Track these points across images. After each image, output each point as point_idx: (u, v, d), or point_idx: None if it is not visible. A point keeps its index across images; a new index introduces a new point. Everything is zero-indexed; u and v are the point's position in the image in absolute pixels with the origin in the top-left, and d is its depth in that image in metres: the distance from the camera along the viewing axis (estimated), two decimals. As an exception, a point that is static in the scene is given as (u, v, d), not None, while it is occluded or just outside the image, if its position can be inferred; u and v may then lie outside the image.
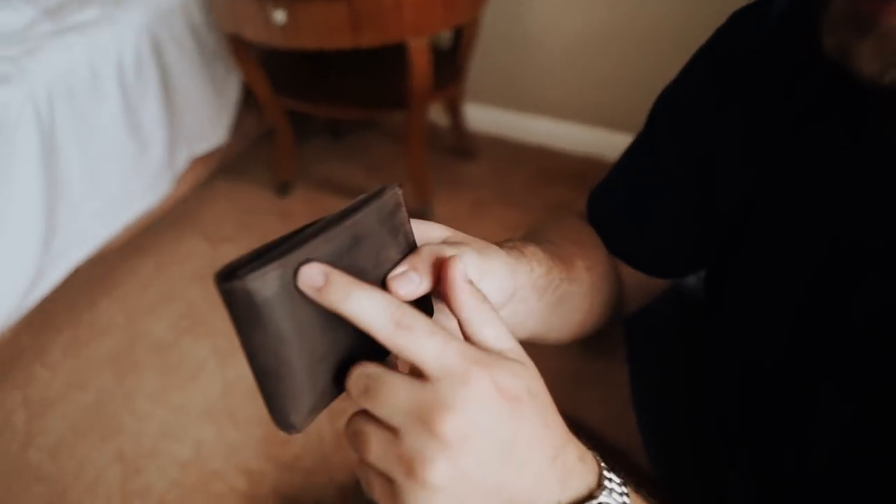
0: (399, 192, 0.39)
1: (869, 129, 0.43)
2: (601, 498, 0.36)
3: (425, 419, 0.31)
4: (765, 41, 0.50)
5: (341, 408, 1.41)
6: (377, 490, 0.34)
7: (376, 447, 0.33)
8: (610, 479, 0.37)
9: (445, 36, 2.07)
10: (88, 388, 1.52)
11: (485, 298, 0.37)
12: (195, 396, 1.50)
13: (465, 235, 0.43)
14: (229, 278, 0.32)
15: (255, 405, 1.47)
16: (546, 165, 2.13)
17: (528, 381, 0.35)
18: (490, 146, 2.24)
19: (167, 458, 1.38)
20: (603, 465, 0.38)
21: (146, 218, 1.81)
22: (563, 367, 1.29)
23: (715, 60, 0.55)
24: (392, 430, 0.33)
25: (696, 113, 0.55)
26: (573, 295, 0.55)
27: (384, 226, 0.37)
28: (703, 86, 0.55)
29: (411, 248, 0.39)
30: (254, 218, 2.00)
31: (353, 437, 0.35)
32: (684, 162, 0.57)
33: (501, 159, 2.18)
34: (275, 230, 1.94)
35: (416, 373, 0.33)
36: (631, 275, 0.65)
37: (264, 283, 0.32)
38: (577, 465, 0.36)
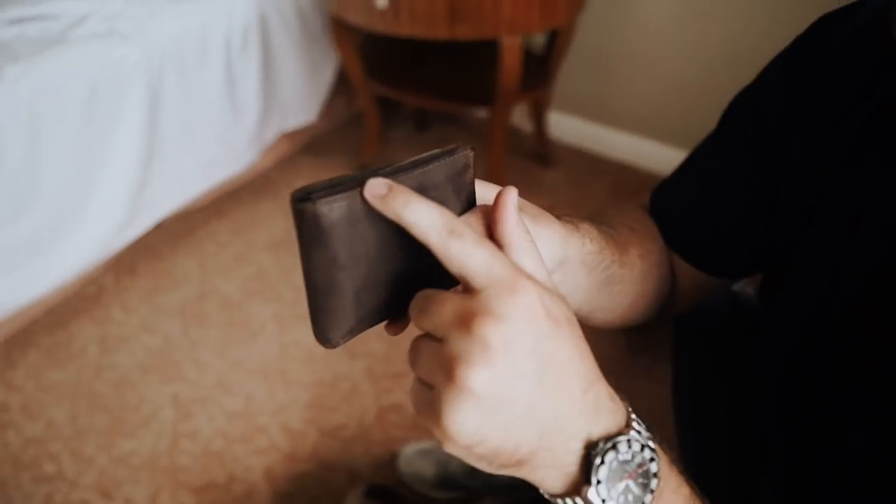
0: (471, 154, 0.40)
1: None
2: (630, 435, 0.36)
3: (469, 324, 0.32)
4: (839, 48, 0.50)
5: (387, 386, 1.45)
6: (416, 399, 0.35)
7: (424, 357, 0.35)
8: (638, 423, 0.37)
9: (539, 41, 2.08)
10: (157, 333, 1.61)
11: (529, 232, 0.38)
12: (252, 354, 1.56)
13: (524, 201, 0.44)
14: (303, 200, 0.35)
15: (306, 370, 1.52)
16: (624, 179, 2.11)
17: (568, 312, 0.35)
18: (570, 156, 2.23)
19: (218, 407, 1.44)
20: (630, 409, 0.38)
21: (231, 183, 1.91)
22: (612, 354, 1.28)
23: (795, 60, 0.54)
24: (440, 341, 0.34)
25: (768, 115, 0.55)
26: (623, 278, 0.55)
27: (450, 182, 0.39)
28: (775, 89, 0.55)
29: (472, 207, 0.41)
30: (331, 197, 2.07)
31: (411, 353, 0.36)
32: (753, 161, 0.57)
33: (580, 170, 2.17)
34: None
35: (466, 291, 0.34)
36: (685, 272, 0.65)
37: (331, 209, 0.35)
38: (607, 402, 0.36)
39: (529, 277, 0.34)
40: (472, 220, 0.40)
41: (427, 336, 0.35)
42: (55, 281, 1.48)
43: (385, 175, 0.37)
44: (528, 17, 1.56)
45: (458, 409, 0.32)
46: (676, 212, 0.64)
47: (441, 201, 0.38)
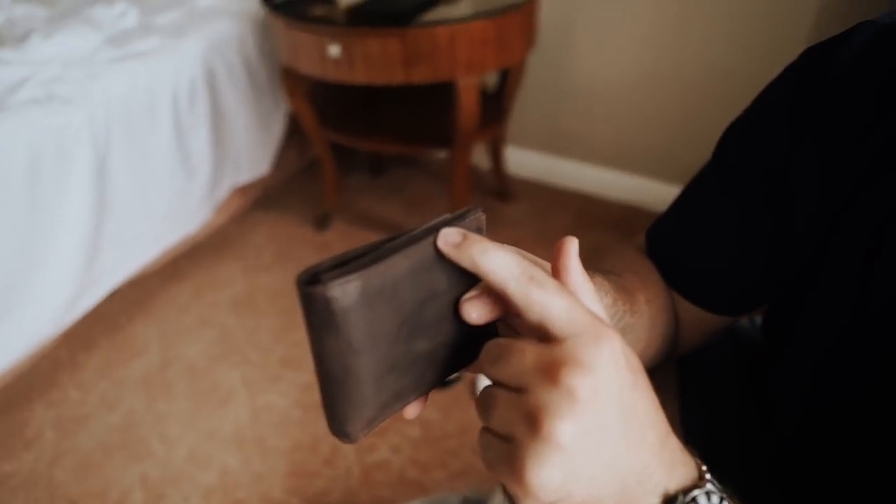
0: (483, 216, 0.39)
1: None
2: (706, 488, 0.35)
3: (555, 375, 0.31)
4: (840, 78, 0.50)
5: (370, 443, 1.38)
6: (491, 452, 0.33)
7: (501, 408, 0.33)
8: (710, 475, 0.36)
9: (492, 79, 2.10)
10: (119, 409, 1.52)
11: (590, 281, 0.38)
12: (223, 423, 1.48)
13: (542, 261, 0.43)
14: (311, 282, 0.32)
15: (283, 436, 1.45)
16: (585, 210, 2.12)
17: (639, 362, 0.34)
18: (530, 190, 2.24)
19: (191, 484, 1.35)
20: (701, 462, 0.37)
21: (187, 243, 1.83)
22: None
23: (789, 96, 0.54)
24: (519, 391, 0.32)
25: (770, 147, 0.54)
26: (634, 327, 0.54)
27: None
28: (777, 121, 0.54)
29: None
30: (291, 249, 2.01)
31: (481, 403, 0.34)
32: (757, 196, 0.56)
33: (541, 203, 2.18)
34: (312, 261, 1.94)
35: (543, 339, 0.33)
36: (687, 311, 0.64)
37: (344, 292, 0.32)
38: (681, 454, 0.36)
39: (610, 326, 0.33)
40: (486, 296, 0.38)
41: (499, 385, 0.34)
42: (4, 362, 1.38)
43: (398, 247, 0.34)
44: (483, 57, 1.56)
45: (544, 462, 0.30)
46: (677, 252, 0.63)
47: (456, 271, 0.37)
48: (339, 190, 2.10)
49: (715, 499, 0.35)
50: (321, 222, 2.09)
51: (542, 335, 0.33)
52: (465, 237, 0.35)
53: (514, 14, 1.59)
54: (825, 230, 0.51)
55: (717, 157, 0.61)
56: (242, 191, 1.99)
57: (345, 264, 0.33)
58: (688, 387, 0.78)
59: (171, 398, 1.54)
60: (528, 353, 0.32)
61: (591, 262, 0.57)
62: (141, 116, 1.56)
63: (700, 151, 0.63)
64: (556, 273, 0.37)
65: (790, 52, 0.59)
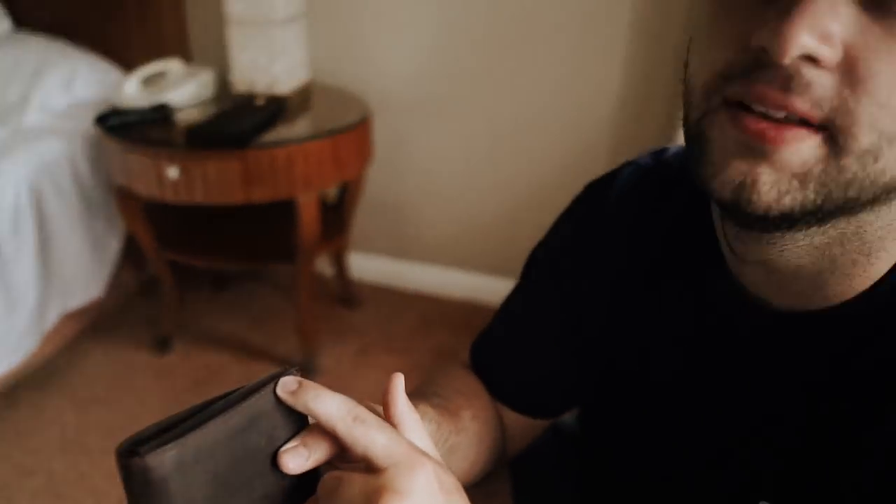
0: (297, 373, 0.42)
1: (709, 284, 0.53)
2: None
3: (376, 502, 0.35)
4: (609, 215, 0.62)
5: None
6: None
7: None
8: None
9: (331, 190, 2.18)
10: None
11: (415, 410, 0.43)
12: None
13: (365, 404, 0.47)
14: (129, 454, 0.35)
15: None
16: (429, 311, 2.21)
17: (455, 481, 0.40)
18: (375, 294, 2.30)
19: None
20: None
21: (6, 381, 1.67)
22: None
23: (576, 224, 0.66)
24: None
25: (565, 267, 0.65)
26: (461, 446, 0.60)
27: (280, 406, 0.40)
28: (567, 245, 0.66)
29: (303, 425, 0.42)
30: (129, 377, 1.89)
31: None
32: (558, 311, 0.65)
33: (386, 307, 2.24)
34: (153, 390, 1.84)
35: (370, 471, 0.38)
36: (513, 418, 0.70)
37: (162, 462, 0.35)
38: None
39: (424, 454, 0.39)
40: (308, 440, 0.41)
41: None
42: None
43: (214, 413, 0.37)
44: (321, 174, 1.64)
45: None
46: (497, 365, 0.70)
47: (273, 426, 0.40)
48: (180, 309, 2.03)
49: None
50: (161, 345, 2.00)
51: (368, 467, 0.38)
52: (300, 384, 0.39)
53: (350, 133, 1.70)
54: (615, 339, 0.61)
55: (524, 277, 0.70)
56: (74, 316, 1.85)
57: (163, 432, 0.36)
58: (521, 489, 0.84)
59: (-11, 560, 1.36)
60: (356, 484, 0.37)
61: (420, 390, 0.63)
62: (-46, 246, 1.45)
63: (532, 246, 0.72)
64: (384, 407, 0.42)
65: (593, 164, 0.71)
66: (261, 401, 0.39)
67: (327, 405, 0.39)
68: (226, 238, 1.93)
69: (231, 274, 2.33)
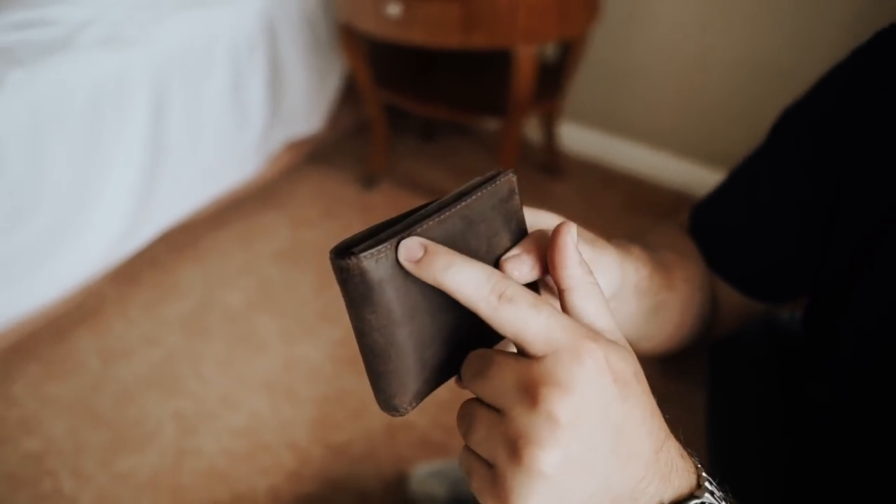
0: (514, 178, 0.37)
1: None
2: (704, 498, 0.33)
3: (534, 397, 0.29)
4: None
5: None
6: (475, 478, 0.32)
7: (481, 429, 0.31)
8: (709, 481, 0.34)
9: (551, 52, 2.06)
10: (159, 346, 1.57)
11: (591, 272, 0.35)
12: (257, 369, 1.52)
13: (576, 226, 0.41)
14: (345, 255, 0.32)
15: (313, 386, 1.48)
16: (635, 193, 2.08)
17: (635, 366, 0.32)
18: (581, 168, 2.20)
19: (222, 423, 1.40)
20: (699, 465, 0.35)
21: (235, 193, 1.87)
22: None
23: (857, 79, 0.51)
24: (500, 411, 0.31)
25: (831, 133, 0.52)
26: (669, 304, 0.53)
27: (497, 211, 0.36)
28: (840, 106, 0.51)
29: (523, 234, 0.38)
30: (337, 207, 2.03)
31: (461, 420, 0.33)
32: (809, 180, 0.53)
33: (591, 182, 2.14)
34: (356, 222, 1.96)
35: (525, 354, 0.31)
36: (726, 293, 0.62)
37: (378, 263, 0.32)
38: (678, 461, 0.34)
39: (594, 338, 0.31)
40: (532, 249, 0.36)
41: (480, 402, 0.32)
42: (56, 291, 1.44)
43: (429, 214, 0.33)
44: (544, 25, 1.53)
45: (529, 493, 0.29)
46: (722, 235, 0.61)
47: (491, 232, 0.36)
48: (388, 152, 2.10)
49: None
50: (368, 183, 2.10)
51: (522, 351, 0.31)
52: (426, 251, 0.32)
53: (580, -16, 1.55)
54: (872, 230, 0.48)
55: (769, 141, 0.59)
56: (294, 146, 2.01)
57: (377, 234, 0.33)
58: (717, 377, 0.76)
59: (210, 341, 1.58)
60: (507, 371, 0.31)
61: (635, 237, 0.56)
62: (199, 63, 1.58)
63: (757, 141, 0.60)
64: (550, 266, 0.34)
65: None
66: (477, 204, 0.35)
67: (463, 281, 0.31)
68: (439, 87, 1.92)
69: (439, 126, 2.35)
